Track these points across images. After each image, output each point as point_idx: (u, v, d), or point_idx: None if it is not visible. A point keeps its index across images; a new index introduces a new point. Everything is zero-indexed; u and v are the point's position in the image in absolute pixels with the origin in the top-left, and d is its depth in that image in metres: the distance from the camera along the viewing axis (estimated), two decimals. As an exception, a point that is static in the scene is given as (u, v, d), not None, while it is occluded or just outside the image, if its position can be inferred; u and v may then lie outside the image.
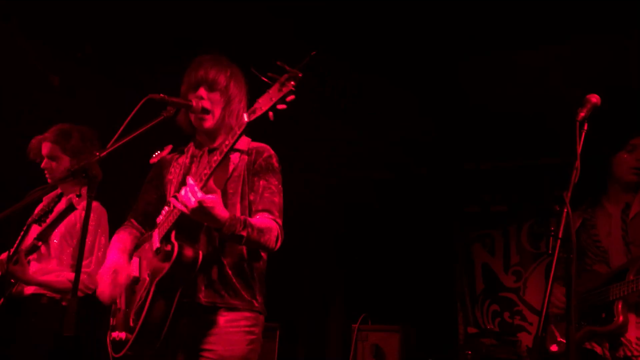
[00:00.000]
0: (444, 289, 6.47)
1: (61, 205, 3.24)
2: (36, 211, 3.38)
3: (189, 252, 2.15)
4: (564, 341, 2.89)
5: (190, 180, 2.05)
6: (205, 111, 2.33)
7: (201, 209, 2.01)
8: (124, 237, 2.48)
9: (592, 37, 4.03)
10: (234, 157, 2.33)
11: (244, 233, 2.12)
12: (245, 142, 2.37)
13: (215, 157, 2.09)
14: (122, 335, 2.24)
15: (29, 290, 3.30)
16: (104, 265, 2.36)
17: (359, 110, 5.18)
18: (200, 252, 2.17)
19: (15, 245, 3.23)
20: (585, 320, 2.87)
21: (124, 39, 4.23)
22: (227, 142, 2.06)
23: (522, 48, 4.25)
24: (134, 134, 2.10)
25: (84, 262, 3.25)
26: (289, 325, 5.82)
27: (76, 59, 4.40)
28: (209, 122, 2.35)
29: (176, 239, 2.16)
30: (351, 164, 6.50)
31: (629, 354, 2.75)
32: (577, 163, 2.17)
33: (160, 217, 2.28)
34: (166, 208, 2.26)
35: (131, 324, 2.22)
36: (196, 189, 2.02)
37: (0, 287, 3.29)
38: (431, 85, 4.88)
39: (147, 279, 2.24)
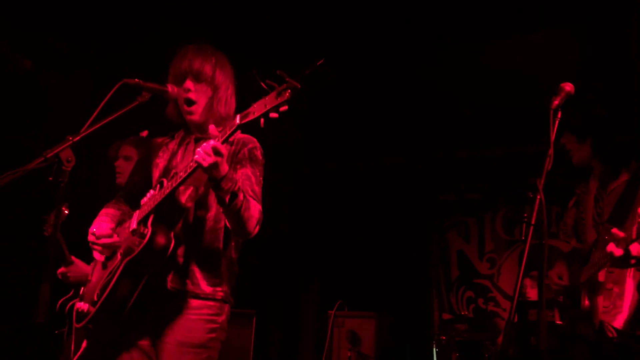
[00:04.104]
0: (420, 275, 6.54)
1: None
2: None
3: (161, 239, 2.18)
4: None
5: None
6: (191, 102, 2.33)
7: (215, 150, 2.02)
8: (110, 212, 2.51)
9: (564, 26, 4.07)
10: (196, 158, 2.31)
11: (239, 195, 2.14)
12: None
13: (191, 164, 2.11)
14: (85, 307, 2.27)
15: None
16: (91, 227, 2.40)
17: (336, 99, 5.19)
18: (172, 241, 2.20)
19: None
20: (571, 302, 2.87)
21: (98, 20, 4.18)
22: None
23: (495, 37, 4.28)
24: (108, 119, 2.07)
25: None
26: (265, 312, 5.83)
27: (47, 43, 4.32)
28: (196, 116, 2.35)
29: (152, 224, 2.19)
30: (328, 153, 6.51)
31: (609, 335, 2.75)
32: (551, 150, 2.19)
33: (145, 199, 2.30)
34: (151, 191, 2.29)
35: (95, 298, 2.25)
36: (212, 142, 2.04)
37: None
38: (406, 75, 4.90)
39: (119, 257, 2.27)
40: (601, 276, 2.73)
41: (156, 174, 2.45)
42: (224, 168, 2.07)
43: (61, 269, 3.33)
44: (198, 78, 2.32)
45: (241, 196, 2.16)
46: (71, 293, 3.45)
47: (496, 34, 4.24)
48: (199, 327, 2.25)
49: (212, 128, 2.08)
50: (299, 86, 1.91)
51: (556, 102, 2.28)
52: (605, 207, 2.87)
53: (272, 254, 6.08)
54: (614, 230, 2.33)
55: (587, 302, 2.78)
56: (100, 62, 4.47)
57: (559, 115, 2.27)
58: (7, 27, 4.15)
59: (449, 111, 5.44)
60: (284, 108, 1.92)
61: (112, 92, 2.09)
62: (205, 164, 2.02)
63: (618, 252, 2.31)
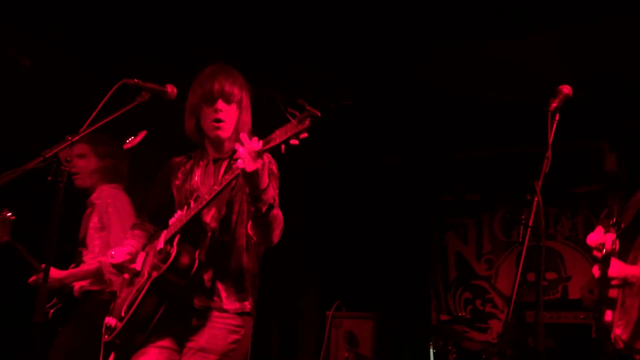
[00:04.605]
0: (418, 276, 6.54)
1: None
2: None
3: (185, 259, 2.27)
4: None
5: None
6: (220, 121, 2.44)
7: (260, 155, 2.07)
8: (136, 233, 2.65)
9: (564, 27, 4.08)
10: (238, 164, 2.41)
11: (276, 208, 2.25)
12: None
13: (227, 176, 2.22)
14: (113, 322, 2.40)
15: (77, 286, 3.38)
16: (127, 243, 2.55)
17: (332, 100, 5.19)
18: (197, 261, 2.29)
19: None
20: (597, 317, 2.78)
21: (98, 22, 4.18)
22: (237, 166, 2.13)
23: (495, 38, 4.28)
24: (107, 119, 2.07)
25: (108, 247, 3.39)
26: (263, 312, 5.82)
27: (48, 42, 4.31)
28: (225, 132, 2.46)
29: (178, 243, 2.30)
30: (327, 154, 6.51)
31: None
32: (549, 153, 2.19)
33: (173, 219, 2.41)
34: (179, 212, 2.40)
35: (122, 314, 2.36)
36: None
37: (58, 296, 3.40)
38: (406, 75, 4.90)
39: (146, 275, 2.38)
40: (612, 292, 2.67)
41: (177, 194, 2.54)
42: (266, 179, 2.14)
43: (32, 278, 3.28)
44: (228, 100, 2.44)
45: (276, 210, 2.27)
46: (54, 300, 3.40)
47: (496, 35, 4.24)
48: (222, 336, 2.34)
49: (243, 136, 2.13)
50: (319, 114, 1.96)
51: (554, 105, 2.29)
52: (624, 221, 2.85)
53: (271, 254, 6.07)
54: (589, 239, 2.32)
55: (607, 318, 2.68)
56: (99, 61, 4.46)
57: (557, 117, 2.28)
58: (7, 26, 4.14)
59: (449, 112, 5.44)
60: (304, 135, 1.98)
61: (111, 91, 2.10)
62: (249, 169, 2.05)
63: (596, 273, 2.32)
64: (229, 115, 2.44)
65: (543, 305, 3.89)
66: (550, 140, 2.22)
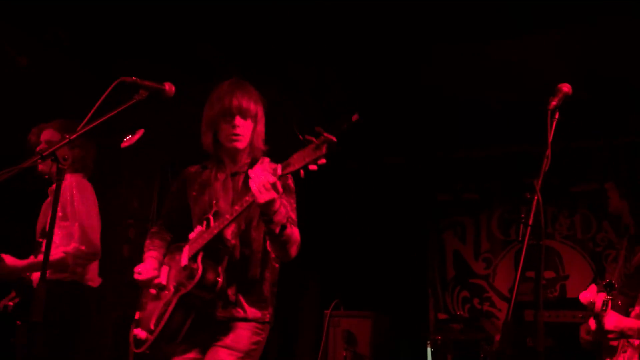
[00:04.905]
0: (416, 275, 6.54)
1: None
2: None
3: (210, 275, 2.41)
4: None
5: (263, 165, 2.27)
6: (237, 135, 2.57)
7: (274, 187, 2.20)
8: (156, 243, 2.78)
9: (563, 27, 4.07)
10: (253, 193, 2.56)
11: (287, 226, 2.40)
12: None
13: (247, 198, 2.31)
14: (143, 335, 2.55)
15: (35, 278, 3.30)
16: (150, 256, 2.68)
17: (333, 98, 5.19)
18: (221, 277, 2.44)
19: None
20: None
21: (98, 22, 4.16)
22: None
23: (493, 38, 4.28)
24: (105, 117, 2.06)
25: (73, 237, 3.33)
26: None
27: (47, 42, 4.30)
28: (242, 144, 2.59)
29: (202, 261, 2.42)
30: (326, 154, 6.48)
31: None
32: (548, 151, 2.19)
33: (193, 234, 2.55)
34: (199, 227, 2.53)
35: (152, 327, 2.52)
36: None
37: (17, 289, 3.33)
38: (405, 75, 4.89)
39: (172, 289, 2.52)
40: (612, 342, 2.69)
41: (194, 205, 2.66)
42: (277, 203, 2.27)
43: None
44: (245, 116, 2.56)
45: (289, 226, 2.41)
46: (13, 294, 3.32)
47: (495, 35, 4.23)
48: (247, 336, 2.50)
49: (266, 160, 2.32)
50: (335, 140, 2.05)
51: (554, 103, 2.28)
52: (627, 271, 2.86)
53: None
54: (581, 297, 2.33)
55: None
56: (99, 61, 4.45)
57: (557, 116, 2.28)
58: (5, 25, 4.12)
59: (448, 112, 5.44)
60: (322, 161, 2.07)
61: (109, 89, 2.09)
62: (261, 200, 2.19)
63: (592, 325, 2.33)
64: (245, 130, 2.57)
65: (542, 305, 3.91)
66: (550, 138, 2.21)
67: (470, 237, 6.57)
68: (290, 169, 2.13)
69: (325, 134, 2.06)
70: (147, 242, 2.78)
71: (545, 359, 2.01)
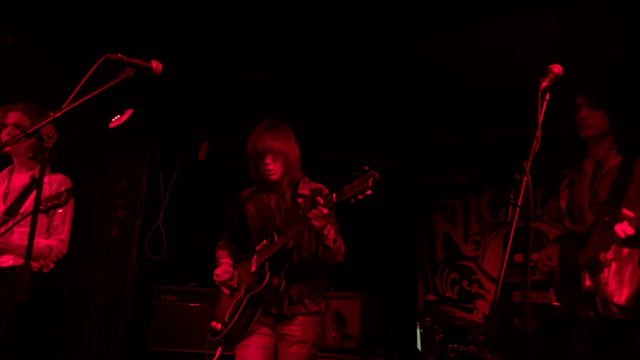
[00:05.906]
0: (405, 257, 6.57)
1: (23, 180, 3.33)
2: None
3: (275, 280, 2.98)
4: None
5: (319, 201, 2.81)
6: (269, 169, 3.09)
7: (328, 215, 2.78)
8: (224, 253, 3.35)
9: (552, 9, 4.05)
10: (301, 202, 3.14)
11: (338, 241, 2.96)
12: (306, 187, 3.20)
13: (297, 225, 2.92)
14: (218, 326, 3.11)
15: (6, 263, 3.23)
16: (226, 262, 3.27)
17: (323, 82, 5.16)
18: (284, 281, 2.99)
19: None
20: (570, 284, 2.82)
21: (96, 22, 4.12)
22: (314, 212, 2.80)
23: (483, 20, 4.25)
24: (90, 95, 2.03)
25: (57, 230, 3.35)
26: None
27: (30, 19, 4.23)
28: (275, 176, 3.12)
29: (269, 267, 2.99)
30: (315, 137, 6.46)
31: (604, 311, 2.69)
32: (538, 132, 2.18)
33: (259, 247, 3.13)
34: (264, 241, 3.10)
35: (226, 320, 3.08)
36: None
37: None
38: (393, 58, 4.86)
39: (243, 291, 3.09)
40: (602, 256, 2.69)
41: (251, 223, 3.23)
42: (329, 226, 2.82)
43: None
44: (274, 154, 3.08)
45: (339, 241, 2.96)
46: None
47: (484, 17, 4.21)
48: (312, 330, 3.06)
49: (318, 199, 2.79)
50: (378, 176, 2.65)
51: (544, 84, 2.27)
52: (601, 188, 2.83)
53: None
54: (624, 211, 2.33)
55: (588, 282, 2.73)
56: (82, 37, 4.38)
57: (547, 97, 2.27)
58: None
59: (437, 95, 5.42)
60: (369, 192, 2.65)
61: (94, 67, 2.04)
62: (319, 225, 2.76)
63: (629, 231, 2.32)
64: (277, 165, 3.10)
65: (541, 285, 3.94)
66: (540, 119, 2.20)
67: (460, 220, 6.60)
68: (343, 197, 2.71)
69: (372, 172, 2.63)
70: (219, 252, 3.35)
71: (532, 339, 2.01)
